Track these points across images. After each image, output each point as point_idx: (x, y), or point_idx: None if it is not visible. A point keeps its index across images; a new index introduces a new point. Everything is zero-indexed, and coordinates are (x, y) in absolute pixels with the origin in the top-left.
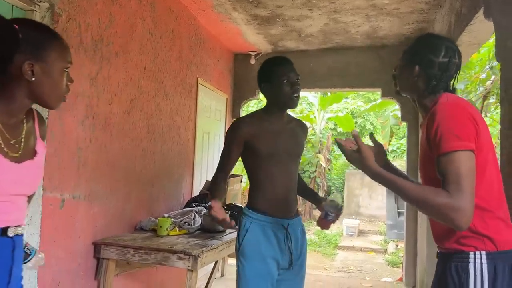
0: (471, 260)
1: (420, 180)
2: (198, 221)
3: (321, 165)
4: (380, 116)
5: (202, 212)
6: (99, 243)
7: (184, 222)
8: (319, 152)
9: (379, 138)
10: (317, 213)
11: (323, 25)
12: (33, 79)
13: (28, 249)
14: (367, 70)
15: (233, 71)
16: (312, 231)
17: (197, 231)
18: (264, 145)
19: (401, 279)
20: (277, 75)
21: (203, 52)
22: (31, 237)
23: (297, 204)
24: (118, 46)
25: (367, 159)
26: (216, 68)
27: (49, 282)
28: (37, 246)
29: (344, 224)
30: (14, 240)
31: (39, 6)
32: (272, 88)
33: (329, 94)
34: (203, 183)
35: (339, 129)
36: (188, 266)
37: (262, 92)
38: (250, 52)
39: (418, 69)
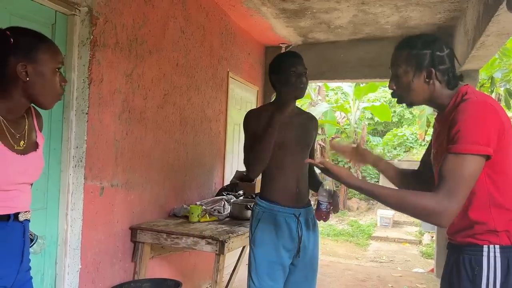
0: (485, 254)
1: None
2: (228, 209)
3: None
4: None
5: (232, 200)
6: (135, 228)
7: (214, 210)
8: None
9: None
10: (351, 203)
11: (352, 16)
12: (27, 79)
13: (31, 235)
14: None
15: (264, 64)
16: (345, 221)
17: (226, 218)
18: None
19: (432, 270)
20: (285, 67)
21: (234, 46)
22: (75, 222)
23: (309, 194)
24: (151, 44)
25: (341, 175)
26: (247, 61)
27: (91, 261)
28: (80, 229)
29: (378, 214)
30: (24, 224)
31: (79, 10)
32: (281, 79)
33: (361, 84)
34: (233, 173)
35: (376, 119)
36: (216, 251)
37: (272, 84)
38: (280, 45)
39: (432, 71)
